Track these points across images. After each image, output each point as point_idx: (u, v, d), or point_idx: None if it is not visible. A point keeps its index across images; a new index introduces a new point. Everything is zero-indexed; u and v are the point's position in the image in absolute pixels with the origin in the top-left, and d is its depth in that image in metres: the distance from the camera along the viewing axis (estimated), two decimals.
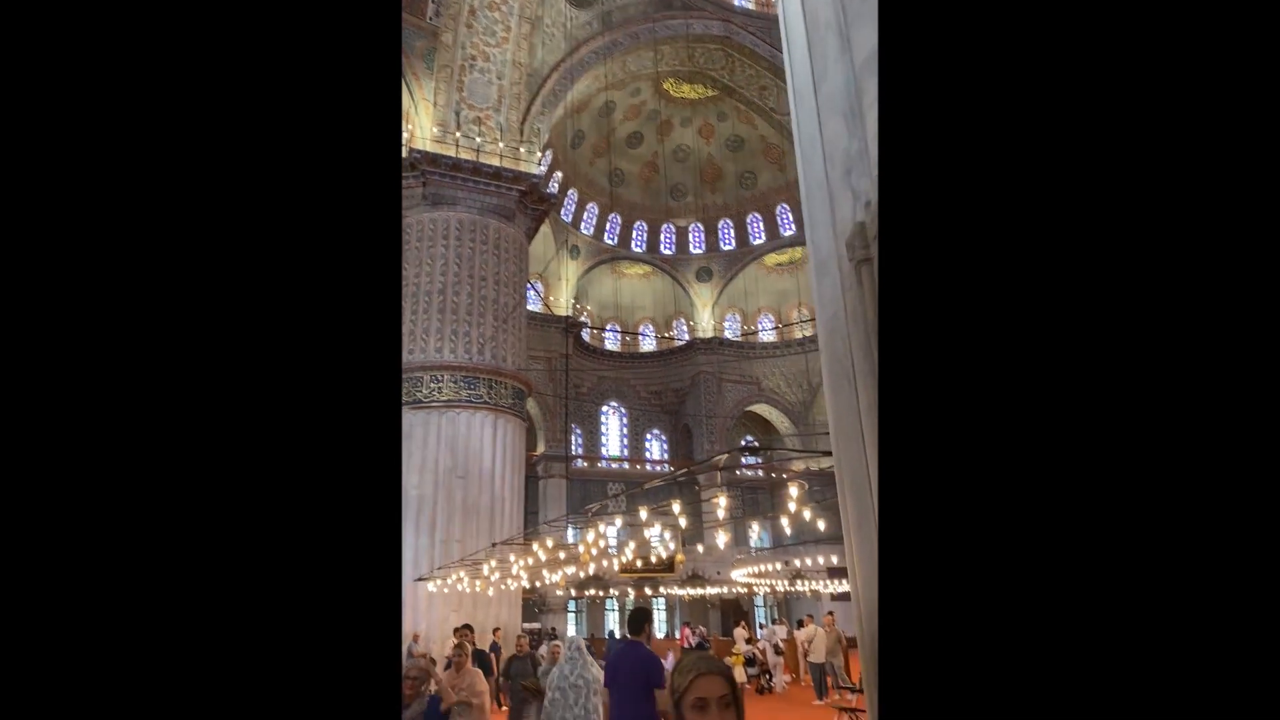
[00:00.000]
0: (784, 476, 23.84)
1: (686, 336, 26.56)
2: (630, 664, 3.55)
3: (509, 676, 6.26)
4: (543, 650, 7.29)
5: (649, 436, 26.80)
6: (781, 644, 13.71)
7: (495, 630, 10.71)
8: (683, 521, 5.48)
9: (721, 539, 5.66)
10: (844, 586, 19.40)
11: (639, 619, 3.87)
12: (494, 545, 9.32)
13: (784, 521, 5.26)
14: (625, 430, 26.47)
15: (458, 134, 14.89)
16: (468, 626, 6.95)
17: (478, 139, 15.04)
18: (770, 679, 12.65)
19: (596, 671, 4.51)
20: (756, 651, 13.17)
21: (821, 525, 5.38)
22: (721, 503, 4.35)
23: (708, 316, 26.42)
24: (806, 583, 19.24)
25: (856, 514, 2.22)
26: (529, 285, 17.55)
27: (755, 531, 19.63)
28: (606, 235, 25.82)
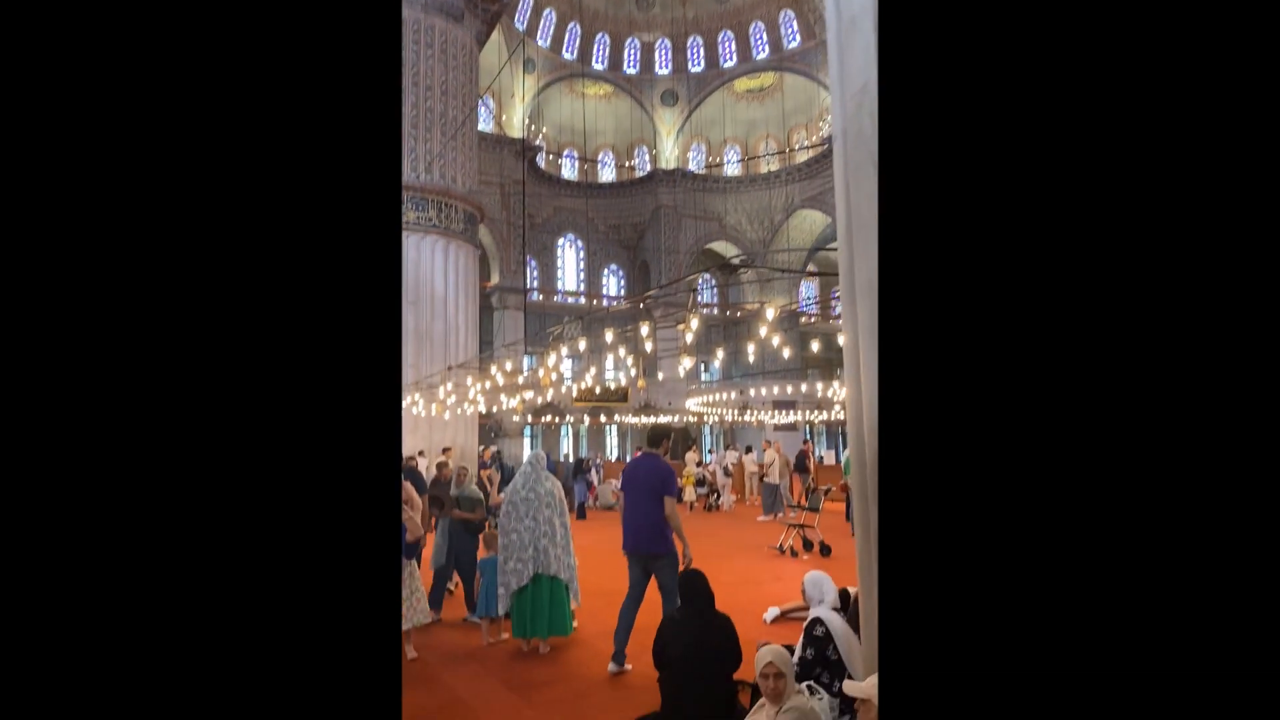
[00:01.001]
0: (745, 312, 24.09)
1: (648, 166, 25.35)
2: (646, 472, 3.92)
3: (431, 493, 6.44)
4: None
5: (606, 271, 26.39)
6: (730, 467, 14.44)
7: (484, 450, 10.91)
8: (648, 346, 5.31)
9: (686, 364, 5.58)
10: (788, 418, 20.41)
11: (658, 434, 4.17)
12: (449, 368, 9.15)
13: (749, 348, 5.13)
14: (582, 264, 25.95)
15: None
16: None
17: None
18: (718, 498, 13.44)
19: (550, 486, 4.48)
20: (707, 473, 13.89)
21: (786, 353, 5.30)
22: (693, 324, 4.14)
23: (671, 145, 25.11)
24: (754, 413, 20.10)
25: (869, 318, 1.98)
26: (479, 101, 16.07)
27: (720, 359, 20.21)
28: (565, 48, 23.60)
